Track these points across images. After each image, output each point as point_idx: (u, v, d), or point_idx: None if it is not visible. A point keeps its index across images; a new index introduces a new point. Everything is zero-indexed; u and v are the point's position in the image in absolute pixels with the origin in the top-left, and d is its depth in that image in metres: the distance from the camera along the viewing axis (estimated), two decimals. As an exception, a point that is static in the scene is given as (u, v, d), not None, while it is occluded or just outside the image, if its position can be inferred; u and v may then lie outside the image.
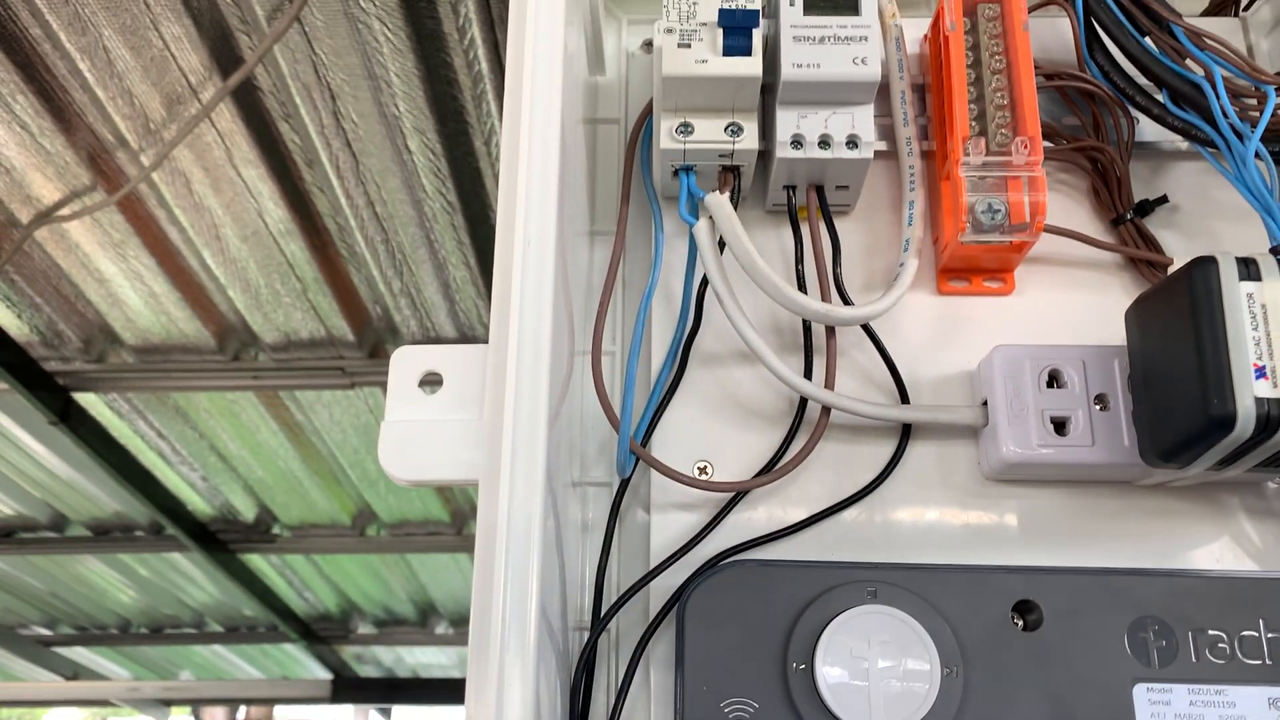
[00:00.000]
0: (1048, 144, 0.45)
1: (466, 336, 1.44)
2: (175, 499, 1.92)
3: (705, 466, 0.42)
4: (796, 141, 0.42)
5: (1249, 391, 0.33)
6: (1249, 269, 0.34)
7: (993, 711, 0.35)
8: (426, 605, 2.61)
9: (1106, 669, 0.35)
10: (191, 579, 2.35)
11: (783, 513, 0.42)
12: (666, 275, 0.45)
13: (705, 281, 0.43)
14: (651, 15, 0.52)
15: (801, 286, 0.44)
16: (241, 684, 3.25)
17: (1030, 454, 0.39)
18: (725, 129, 0.42)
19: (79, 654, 2.98)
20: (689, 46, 0.40)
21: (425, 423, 0.34)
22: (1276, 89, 0.40)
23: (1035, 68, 0.42)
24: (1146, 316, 0.37)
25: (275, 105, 1.04)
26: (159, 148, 1.08)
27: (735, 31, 0.39)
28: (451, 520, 2.06)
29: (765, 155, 0.43)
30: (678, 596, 0.39)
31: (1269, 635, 0.35)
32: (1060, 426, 0.39)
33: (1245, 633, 0.35)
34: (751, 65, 0.40)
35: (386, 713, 3.71)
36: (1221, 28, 0.49)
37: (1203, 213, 0.46)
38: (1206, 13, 0.52)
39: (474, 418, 0.34)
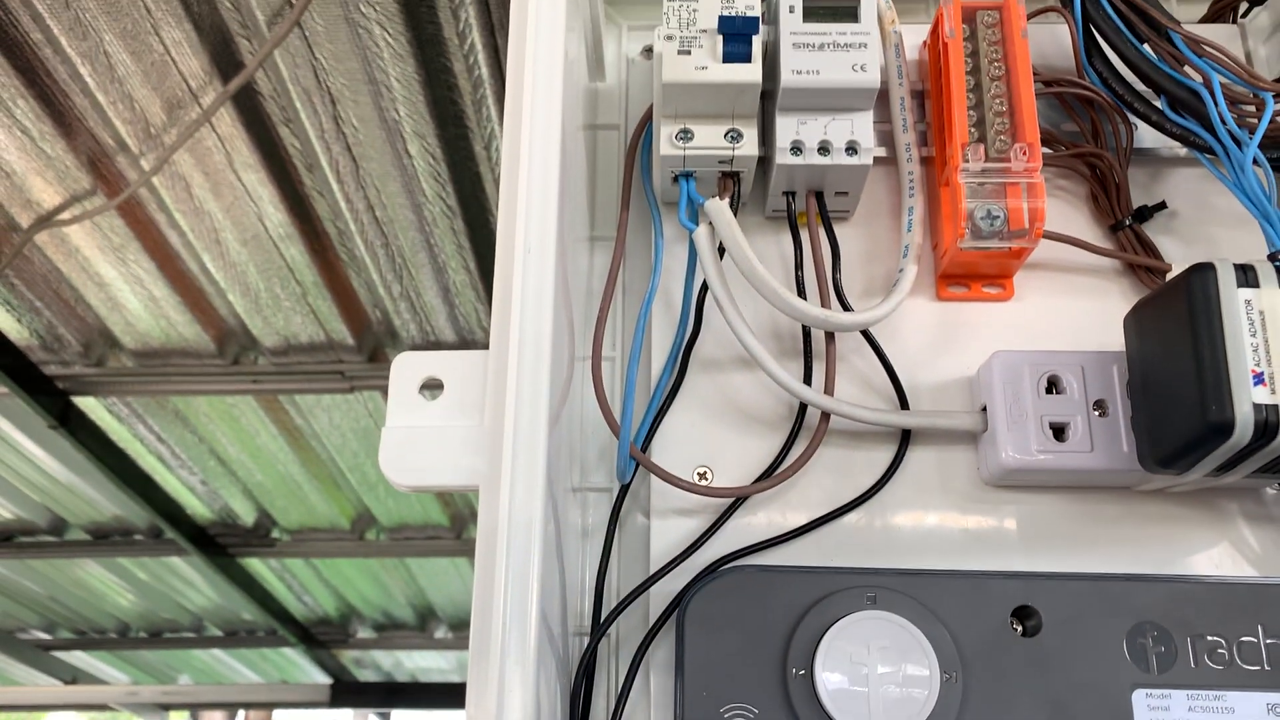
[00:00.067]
0: (1046, 150, 0.45)
1: (466, 340, 1.44)
2: (174, 503, 1.92)
3: (705, 472, 0.42)
4: (796, 148, 0.42)
5: (1247, 398, 0.33)
6: (1247, 275, 0.34)
7: (992, 717, 0.35)
8: (426, 609, 2.60)
9: (1105, 675, 0.35)
10: (190, 583, 2.35)
11: (782, 518, 0.42)
12: (666, 281, 0.45)
13: (705, 287, 0.43)
14: (651, 21, 0.52)
15: (801, 292, 0.44)
16: (240, 688, 3.24)
17: (1029, 460, 0.39)
18: (725, 135, 0.42)
19: (78, 658, 2.98)
20: (689, 53, 0.40)
21: (426, 428, 0.35)
22: (1274, 95, 0.40)
23: (1034, 74, 0.42)
24: (1145, 322, 0.37)
25: (275, 110, 1.04)
26: (159, 152, 1.08)
27: (735, 38, 0.40)
28: (451, 524, 2.06)
29: (765, 161, 0.43)
30: (678, 602, 0.39)
31: (1268, 641, 0.35)
32: (1059, 432, 0.39)
33: (1244, 639, 0.35)
34: (751, 72, 0.40)
35: (385, 717, 3.71)
36: (1220, 34, 0.49)
37: (1201, 219, 0.46)
38: (1205, 19, 0.52)
39: (474, 423, 0.34)
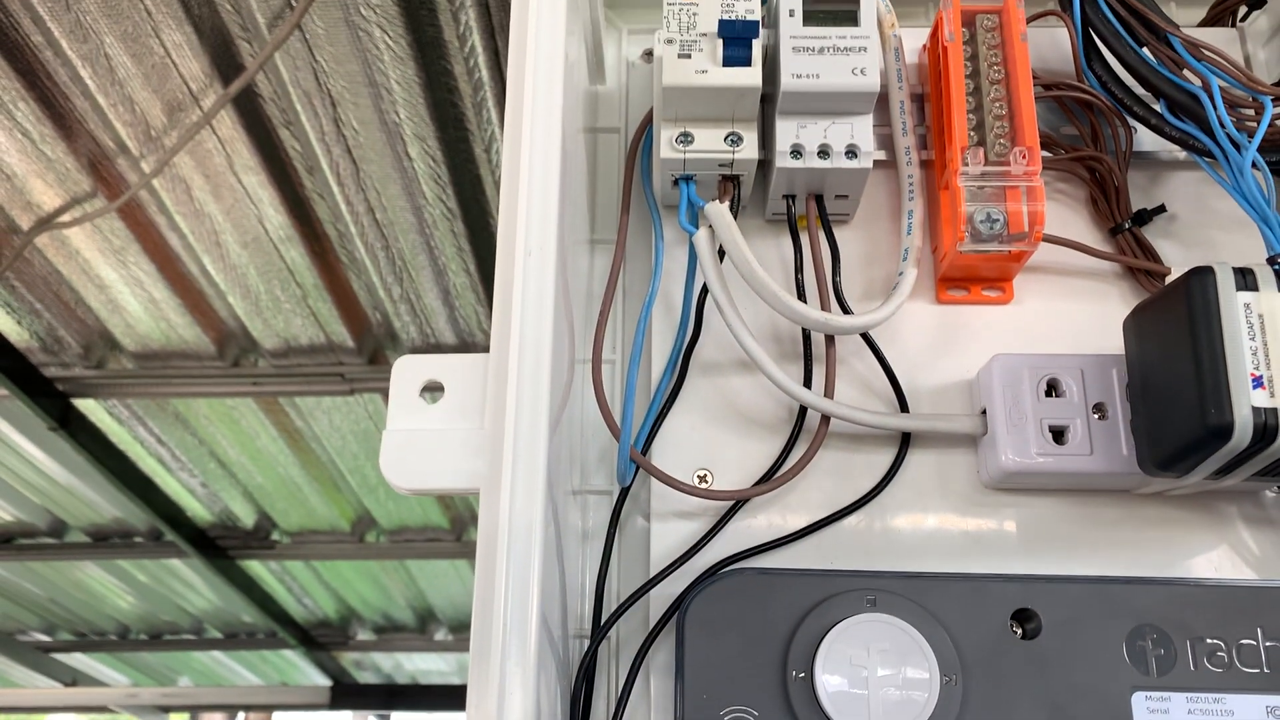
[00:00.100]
0: (1046, 154, 0.46)
1: (466, 342, 1.44)
2: (174, 505, 1.92)
3: (705, 475, 0.42)
4: (796, 151, 0.42)
5: (1246, 401, 0.33)
6: (1246, 279, 0.34)
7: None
8: (425, 612, 2.60)
9: (1105, 677, 0.35)
10: (190, 585, 2.35)
11: (782, 521, 0.42)
12: (666, 284, 0.45)
13: (705, 290, 0.43)
14: (652, 25, 0.52)
15: (801, 295, 0.44)
16: (240, 690, 3.24)
17: (1029, 463, 0.39)
18: (725, 139, 0.42)
19: (78, 660, 2.98)
20: (689, 57, 0.40)
21: (426, 432, 0.35)
22: (1273, 99, 0.40)
23: (1034, 78, 0.42)
24: (1144, 326, 0.38)
25: (276, 112, 1.04)
26: (160, 154, 1.08)
27: (735, 42, 0.40)
28: (451, 527, 2.06)
29: (765, 165, 0.43)
30: (678, 604, 0.39)
31: (1267, 644, 0.35)
32: (1059, 435, 0.39)
33: (1243, 641, 0.35)
34: (751, 76, 0.40)
35: (385, 719, 3.71)
36: (1219, 38, 0.49)
37: (1200, 222, 0.46)
38: (1204, 23, 0.52)
39: (475, 426, 0.34)
